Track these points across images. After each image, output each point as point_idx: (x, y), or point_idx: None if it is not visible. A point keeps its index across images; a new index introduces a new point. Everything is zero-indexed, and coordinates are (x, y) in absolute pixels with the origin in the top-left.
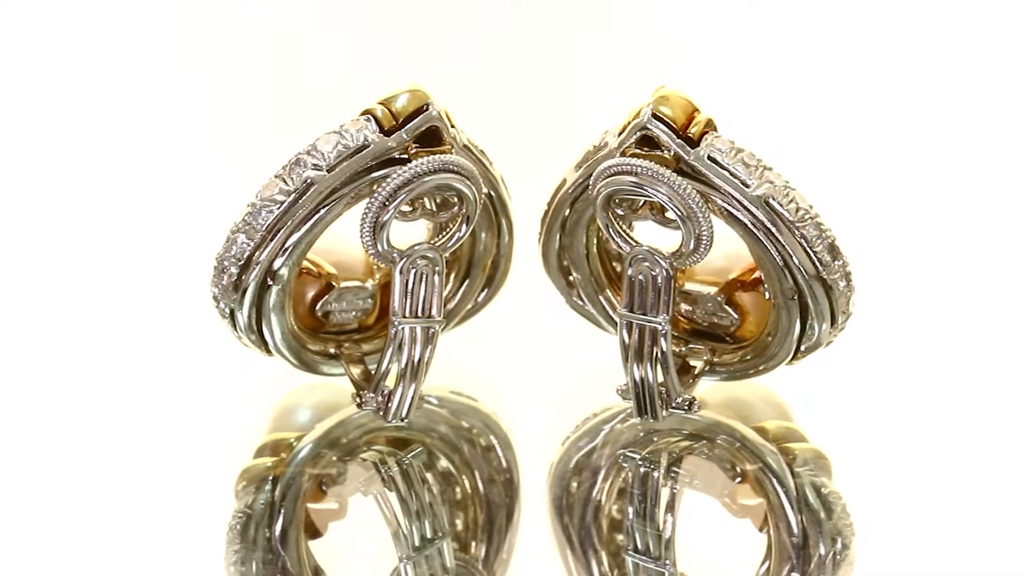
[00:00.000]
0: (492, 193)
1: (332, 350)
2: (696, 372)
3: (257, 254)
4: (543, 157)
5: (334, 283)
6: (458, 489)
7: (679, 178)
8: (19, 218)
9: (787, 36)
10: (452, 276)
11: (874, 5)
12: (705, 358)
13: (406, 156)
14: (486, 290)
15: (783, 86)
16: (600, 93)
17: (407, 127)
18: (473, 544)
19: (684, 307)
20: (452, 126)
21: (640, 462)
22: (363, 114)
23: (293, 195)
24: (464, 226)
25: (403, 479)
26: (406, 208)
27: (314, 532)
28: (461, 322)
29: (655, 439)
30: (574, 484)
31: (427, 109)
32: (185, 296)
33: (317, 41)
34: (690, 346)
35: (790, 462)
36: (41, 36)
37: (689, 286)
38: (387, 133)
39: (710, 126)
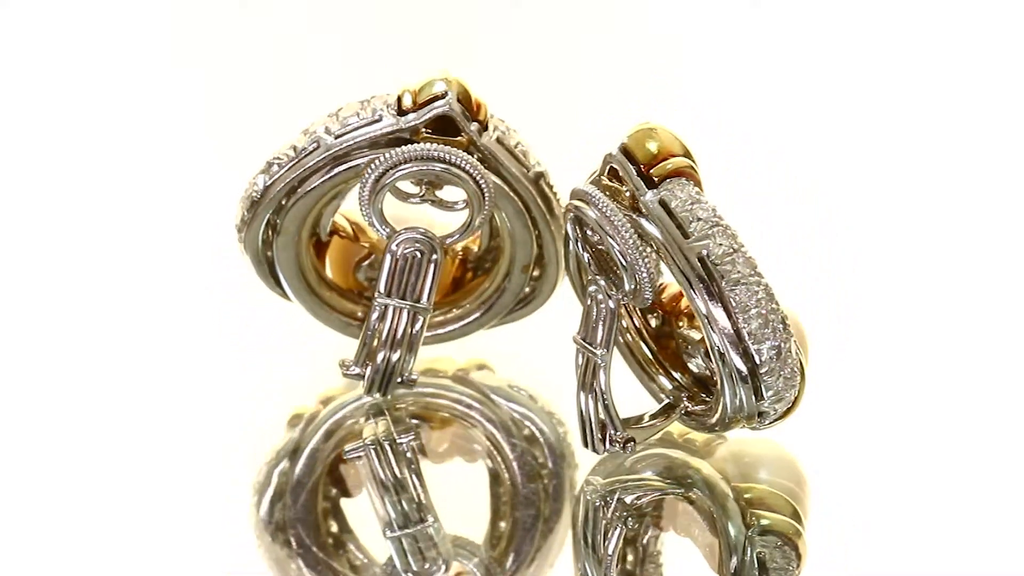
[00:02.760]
0: (523, 196)
1: (360, 314)
2: (652, 415)
3: (262, 204)
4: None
5: (374, 252)
6: (491, 482)
7: (626, 223)
8: (37, 216)
9: (787, 36)
10: (494, 272)
11: (874, 5)
12: (683, 404)
13: (415, 139)
14: (534, 291)
15: (783, 86)
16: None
17: (419, 112)
18: (497, 540)
19: (685, 351)
20: (475, 119)
21: (589, 491)
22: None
23: (301, 153)
24: (467, 226)
25: (380, 455)
26: (412, 189)
27: (328, 476)
28: (507, 320)
29: (636, 474)
30: (595, 502)
31: (443, 97)
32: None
33: (327, 35)
34: (673, 387)
35: (750, 524)
36: (41, 33)
37: (687, 331)
38: (402, 114)
39: (682, 171)
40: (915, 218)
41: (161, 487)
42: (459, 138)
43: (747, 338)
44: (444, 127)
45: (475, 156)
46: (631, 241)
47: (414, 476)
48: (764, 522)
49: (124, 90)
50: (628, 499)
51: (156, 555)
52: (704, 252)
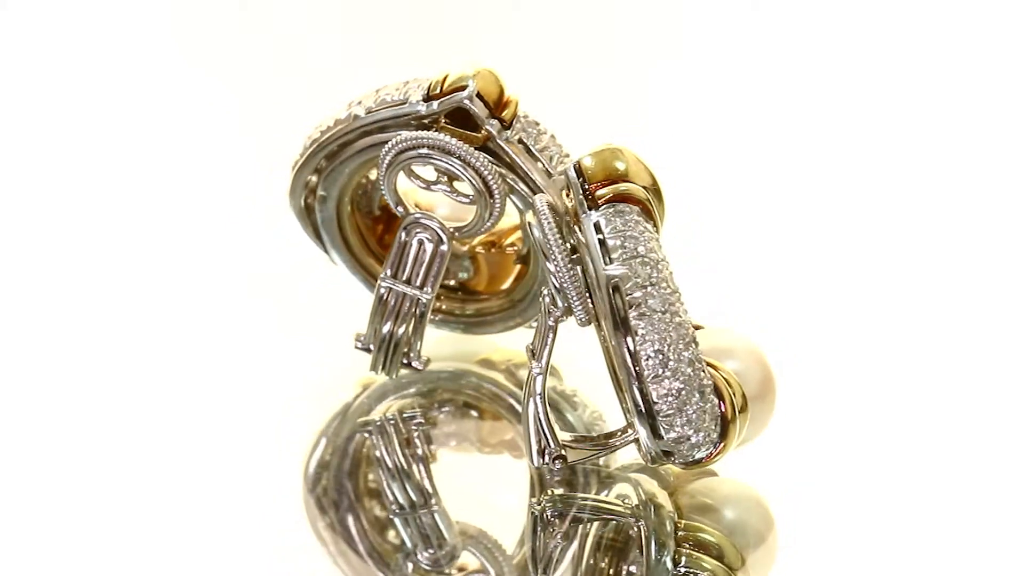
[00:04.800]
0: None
1: None
2: (590, 438)
3: (300, 165)
4: None
5: None
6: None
7: (563, 246)
8: (63, 216)
9: (787, 36)
10: (530, 274)
11: (874, 6)
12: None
13: (435, 127)
14: None
15: (783, 87)
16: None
17: (440, 100)
18: (513, 538)
19: None
20: (496, 116)
21: (534, 503)
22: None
23: (337, 123)
24: (475, 223)
25: (382, 436)
26: (429, 176)
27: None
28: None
29: (591, 494)
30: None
31: (464, 89)
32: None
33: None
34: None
35: (678, 562)
36: (43, 29)
37: None
38: (428, 100)
39: (631, 198)
40: (902, 230)
41: (236, 444)
42: (478, 133)
43: (645, 375)
44: (463, 119)
45: (501, 154)
46: (563, 263)
47: (418, 460)
48: (693, 564)
49: (133, 85)
50: (567, 515)
51: (210, 512)
52: (617, 280)
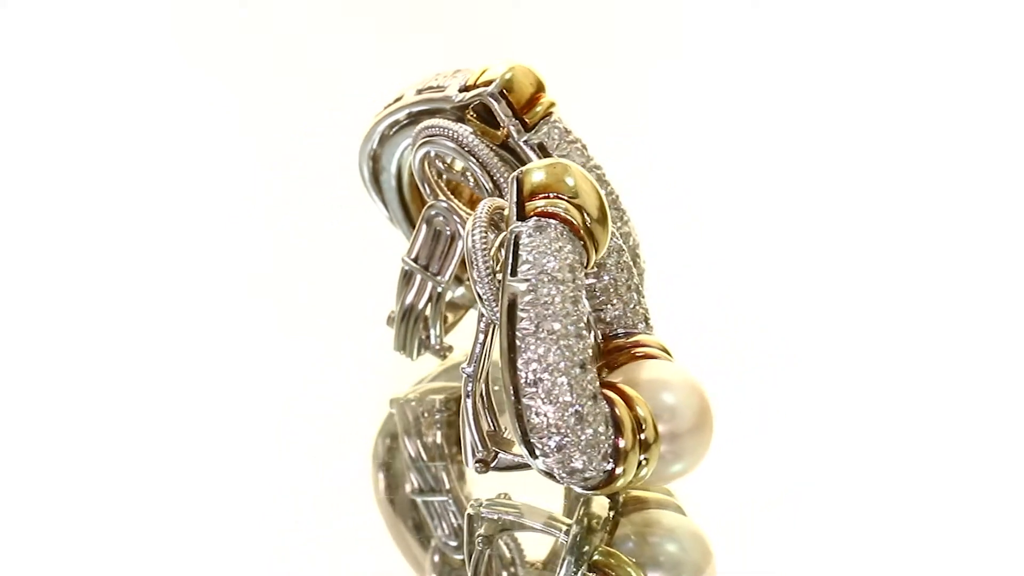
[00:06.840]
0: None
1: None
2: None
3: (365, 140)
4: None
5: None
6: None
7: (487, 263)
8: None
9: (787, 36)
10: None
11: (874, 6)
12: None
13: (463, 118)
14: None
15: (783, 86)
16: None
17: (470, 93)
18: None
19: None
20: (519, 116)
21: (473, 503)
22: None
23: (396, 101)
24: None
25: (403, 423)
26: (454, 166)
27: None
28: None
29: (527, 503)
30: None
31: (489, 84)
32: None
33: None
34: None
35: None
36: (43, 29)
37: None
38: (461, 91)
39: (565, 217)
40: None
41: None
42: (498, 130)
43: (521, 392)
44: (488, 115)
45: (521, 155)
46: (483, 272)
47: (434, 447)
48: None
49: (133, 85)
50: (498, 520)
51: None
52: (515, 295)
